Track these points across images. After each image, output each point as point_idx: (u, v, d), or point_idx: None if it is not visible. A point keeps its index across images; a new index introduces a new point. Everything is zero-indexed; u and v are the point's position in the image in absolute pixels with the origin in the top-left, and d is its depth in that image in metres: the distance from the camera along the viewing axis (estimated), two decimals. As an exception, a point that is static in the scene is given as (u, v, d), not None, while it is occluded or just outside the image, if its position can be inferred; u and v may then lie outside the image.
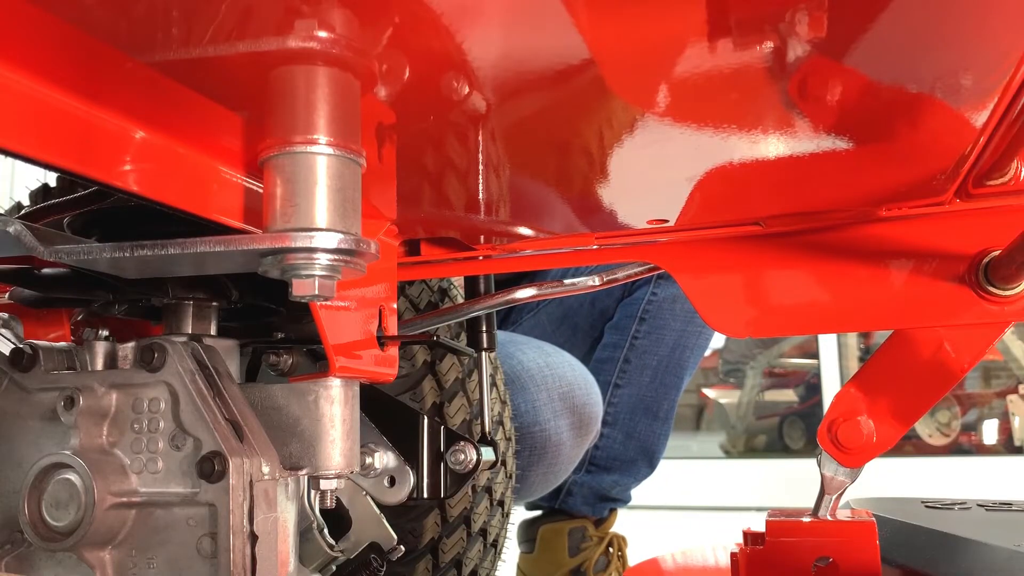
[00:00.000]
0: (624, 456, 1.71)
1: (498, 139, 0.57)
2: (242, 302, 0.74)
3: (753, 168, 0.61)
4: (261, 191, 0.53)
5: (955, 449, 4.16)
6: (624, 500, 1.78)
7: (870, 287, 0.73)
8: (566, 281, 0.86)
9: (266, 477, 0.60)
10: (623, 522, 1.81)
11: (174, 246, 0.51)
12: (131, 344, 0.64)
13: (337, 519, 0.78)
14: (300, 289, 0.49)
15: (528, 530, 1.78)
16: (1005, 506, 1.03)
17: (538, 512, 1.79)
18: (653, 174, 0.64)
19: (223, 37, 0.42)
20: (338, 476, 0.65)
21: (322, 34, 0.42)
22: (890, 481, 3.42)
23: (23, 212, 0.72)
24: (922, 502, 1.07)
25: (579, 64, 0.47)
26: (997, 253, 0.68)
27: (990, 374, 4.33)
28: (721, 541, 1.16)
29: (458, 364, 1.06)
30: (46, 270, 0.71)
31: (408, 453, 0.80)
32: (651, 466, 1.75)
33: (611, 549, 1.74)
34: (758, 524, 0.80)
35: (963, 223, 0.70)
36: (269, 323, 0.84)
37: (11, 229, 0.56)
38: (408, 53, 0.45)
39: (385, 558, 0.76)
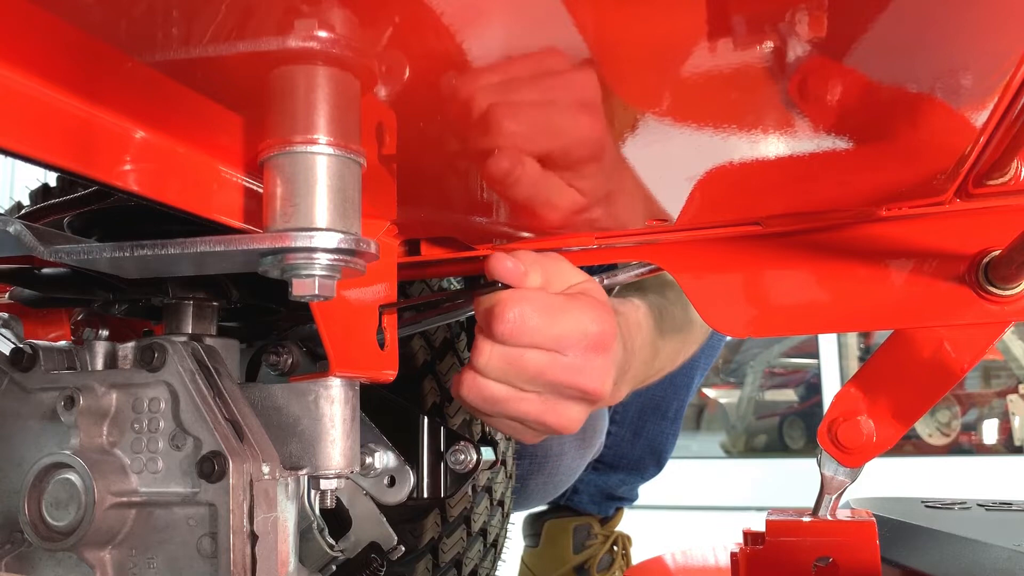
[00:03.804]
0: (632, 455, 1.69)
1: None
2: (242, 302, 0.74)
3: (753, 168, 0.61)
4: (261, 191, 0.53)
5: (955, 449, 4.15)
6: (631, 499, 1.77)
7: (870, 287, 0.73)
8: (566, 281, 0.85)
9: (266, 477, 0.60)
10: (623, 521, 1.81)
11: (174, 246, 0.51)
12: (131, 344, 0.64)
13: (337, 519, 0.78)
14: (300, 289, 0.49)
15: (533, 524, 1.77)
16: (1005, 506, 1.03)
17: (544, 507, 1.78)
18: (653, 174, 0.64)
19: (223, 37, 0.42)
20: (338, 476, 0.65)
21: (322, 34, 0.42)
22: (890, 481, 3.41)
23: (23, 212, 0.72)
24: (922, 502, 1.07)
25: (579, 64, 0.47)
26: (997, 253, 0.68)
27: (990, 374, 4.33)
28: (721, 541, 1.16)
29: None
30: (46, 270, 0.71)
31: (408, 453, 0.80)
32: (659, 466, 1.74)
33: (615, 548, 1.74)
34: (758, 524, 0.80)
35: (963, 223, 0.70)
36: (269, 323, 0.84)
37: (11, 229, 0.56)
38: (408, 53, 0.45)
39: (385, 558, 0.76)
